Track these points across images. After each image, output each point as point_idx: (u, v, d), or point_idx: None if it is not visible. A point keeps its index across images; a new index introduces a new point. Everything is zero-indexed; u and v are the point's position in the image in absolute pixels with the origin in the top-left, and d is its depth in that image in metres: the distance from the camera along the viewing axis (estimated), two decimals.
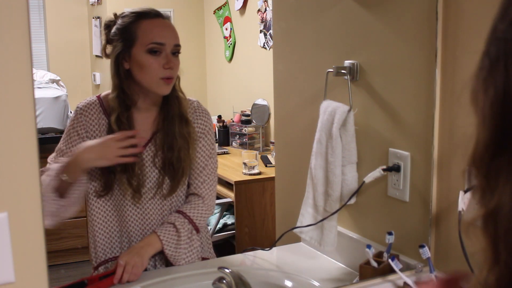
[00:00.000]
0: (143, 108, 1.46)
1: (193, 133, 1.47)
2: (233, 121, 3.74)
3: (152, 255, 1.43)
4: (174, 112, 1.45)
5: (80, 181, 1.38)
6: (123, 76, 1.41)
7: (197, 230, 1.48)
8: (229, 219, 3.17)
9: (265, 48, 3.56)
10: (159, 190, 1.46)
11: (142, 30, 1.40)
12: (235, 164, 3.26)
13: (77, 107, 1.47)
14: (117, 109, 1.41)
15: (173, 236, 1.43)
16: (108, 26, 1.45)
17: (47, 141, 2.72)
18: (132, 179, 1.43)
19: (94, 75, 4.25)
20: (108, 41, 1.45)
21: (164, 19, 1.45)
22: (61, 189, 1.36)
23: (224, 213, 3.16)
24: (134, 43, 1.40)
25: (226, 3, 4.00)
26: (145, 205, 1.47)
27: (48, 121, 2.95)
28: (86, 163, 1.35)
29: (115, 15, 1.45)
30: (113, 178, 1.43)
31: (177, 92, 1.47)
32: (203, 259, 1.55)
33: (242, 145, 3.60)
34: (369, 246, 1.33)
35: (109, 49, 1.45)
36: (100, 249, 1.49)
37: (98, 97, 1.48)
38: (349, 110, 1.42)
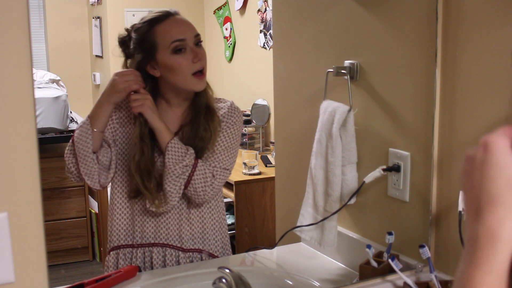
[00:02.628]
0: (175, 104, 1.48)
1: (218, 125, 1.48)
2: None
3: (155, 125, 1.41)
4: (202, 104, 1.47)
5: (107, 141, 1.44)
6: (155, 83, 1.45)
7: (187, 185, 1.43)
8: (229, 219, 3.17)
9: (265, 48, 3.56)
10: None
11: (159, 34, 1.41)
12: (235, 164, 3.26)
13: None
14: None
15: (182, 149, 1.42)
16: (124, 42, 1.45)
17: (47, 141, 2.72)
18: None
19: (94, 75, 4.25)
20: (128, 56, 1.46)
21: (174, 17, 1.45)
22: (95, 146, 1.41)
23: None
24: (156, 49, 1.41)
25: (226, 3, 4.00)
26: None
27: (48, 121, 2.95)
28: (104, 101, 1.41)
29: (127, 30, 1.46)
30: (149, 185, 1.44)
31: (206, 87, 1.49)
32: (212, 255, 1.54)
33: (242, 145, 3.60)
34: (369, 246, 1.33)
35: (131, 63, 1.46)
36: (115, 233, 1.50)
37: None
38: (349, 110, 1.42)
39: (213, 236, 1.53)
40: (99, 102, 1.41)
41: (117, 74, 1.41)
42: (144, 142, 1.42)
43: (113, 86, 1.40)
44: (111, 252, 1.51)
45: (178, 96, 1.47)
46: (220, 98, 1.53)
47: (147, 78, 1.44)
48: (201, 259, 1.51)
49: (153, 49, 1.41)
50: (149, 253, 1.48)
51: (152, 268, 1.47)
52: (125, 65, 1.47)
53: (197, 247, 1.50)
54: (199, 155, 1.45)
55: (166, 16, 1.43)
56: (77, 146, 1.39)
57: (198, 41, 1.44)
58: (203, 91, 1.47)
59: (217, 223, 1.54)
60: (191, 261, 1.50)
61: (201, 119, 1.46)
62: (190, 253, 1.50)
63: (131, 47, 1.44)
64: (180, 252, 1.48)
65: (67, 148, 1.43)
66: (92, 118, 1.41)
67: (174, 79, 1.43)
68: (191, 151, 1.43)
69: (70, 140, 1.43)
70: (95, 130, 1.40)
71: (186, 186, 1.43)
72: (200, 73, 1.42)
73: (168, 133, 1.42)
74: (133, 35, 1.44)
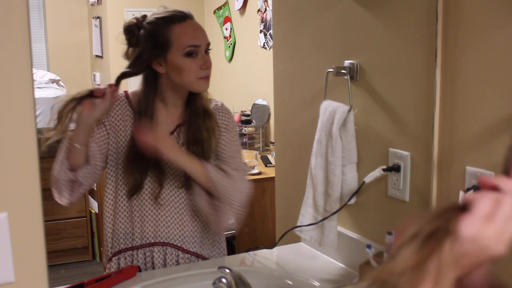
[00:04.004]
0: (171, 103, 1.48)
1: (216, 127, 1.49)
2: None
3: (184, 164, 1.41)
4: (199, 106, 1.48)
5: (91, 158, 1.42)
6: (155, 79, 1.45)
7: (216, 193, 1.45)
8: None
9: (265, 48, 3.56)
10: (178, 181, 1.47)
11: (176, 35, 1.41)
12: None
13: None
14: (144, 103, 1.45)
15: (218, 172, 1.44)
16: (131, 30, 1.44)
17: None
18: (160, 175, 1.46)
19: (94, 75, 4.25)
20: (132, 45, 1.45)
21: (192, 20, 1.46)
22: (74, 162, 1.39)
23: None
24: (169, 48, 1.41)
25: (226, 3, 4.00)
26: (162, 196, 1.48)
27: (48, 121, 2.94)
28: (86, 119, 1.37)
29: (136, 18, 1.45)
30: (144, 178, 1.46)
31: None
32: (204, 258, 1.55)
33: (242, 145, 3.60)
34: (369, 246, 1.33)
35: (133, 52, 1.45)
36: (116, 239, 1.50)
37: (126, 92, 1.51)
38: (349, 110, 1.42)
39: (211, 240, 1.54)
40: (77, 123, 1.38)
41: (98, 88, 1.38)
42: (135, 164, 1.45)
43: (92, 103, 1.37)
44: (113, 258, 1.50)
45: (175, 95, 1.47)
46: (210, 99, 1.53)
47: (148, 74, 1.44)
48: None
49: (165, 47, 1.41)
50: (150, 253, 1.48)
51: (153, 268, 1.47)
52: (126, 53, 1.46)
53: (195, 251, 1.50)
54: (198, 156, 1.45)
55: (184, 18, 1.44)
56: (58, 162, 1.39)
57: (208, 49, 1.46)
58: (199, 93, 1.48)
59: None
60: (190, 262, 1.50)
61: (200, 121, 1.46)
62: (189, 255, 1.50)
63: (140, 37, 1.43)
64: (180, 252, 1.48)
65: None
66: (74, 134, 1.38)
67: (180, 80, 1.43)
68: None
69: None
70: (77, 146, 1.38)
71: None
72: (206, 77, 1.45)
73: (199, 165, 1.42)
74: (146, 26, 1.43)
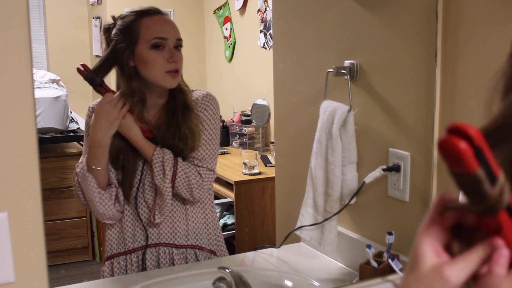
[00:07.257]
0: (149, 104, 1.47)
1: (199, 122, 1.48)
2: (233, 121, 3.74)
3: (134, 138, 1.42)
4: (179, 103, 1.47)
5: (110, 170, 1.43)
6: (129, 74, 1.43)
7: (173, 185, 1.44)
8: (229, 219, 3.17)
9: (265, 48, 3.56)
10: None
11: (144, 27, 1.42)
12: (235, 164, 3.26)
13: (89, 107, 1.51)
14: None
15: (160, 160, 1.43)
16: (108, 29, 1.46)
17: (47, 141, 2.71)
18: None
19: None
20: (109, 43, 1.46)
21: (163, 15, 1.47)
22: (105, 183, 1.42)
23: (224, 213, 3.16)
24: (137, 40, 1.42)
25: (226, 3, 4.00)
26: (151, 199, 1.47)
27: (48, 121, 2.94)
28: (101, 138, 1.39)
29: (113, 17, 1.46)
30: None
31: (181, 85, 1.48)
32: (212, 252, 1.55)
33: (242, 145, 3.60)
34: (369, 246, 1.33)
35: (106, 49, 1.46)
36: (109, 243, 1.51)
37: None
38: (349, 110, 1.42)
39: (206, 231, 1.54)
40: (95, 141, 1.39)
41: (103, 106, 1.40)
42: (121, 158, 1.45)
43: (107, 118, 1.38)
44: (106, 262, 1.51)
45: (152, 94, 1.46)
46: (192, 91, 1.51)
47: (125, 71, 1.43)
48: (195, 255, 1.51)
49: (134, 39, 1.42)
50: (142, 256, 1.48)
51: (145, 269, 1.47)
52: (105, 51, 1.46)
53: (190, 243, 1.50)
54: (179, 155, 1.45)
55: (155, 12, 1.45)
56: (86, 192, 1.40)
57: (178, 45, 1.45)
58: (179, 90, 1.47)
59: (209, 219, 1.55)
60: (185, 257, 1.50)
61: (179, 118, 1.45)
62: (184, 249, 1.50)
63: (113, 33, 1.44)
64: (173, 249, 1.48)
65: (74, 184, 1.43)
66: (93, 160, 1.39)
67: (146, 73, 1.42)
68: (167, 151, 1.44)
69: (75, 179, 1.43)
70: (98, 168, 1.40)
71: (172, 186, 1.43)
72: (175, 72, 1.43)
73: (150, 148, 1.43)
74: (119, 22, 1.44)
